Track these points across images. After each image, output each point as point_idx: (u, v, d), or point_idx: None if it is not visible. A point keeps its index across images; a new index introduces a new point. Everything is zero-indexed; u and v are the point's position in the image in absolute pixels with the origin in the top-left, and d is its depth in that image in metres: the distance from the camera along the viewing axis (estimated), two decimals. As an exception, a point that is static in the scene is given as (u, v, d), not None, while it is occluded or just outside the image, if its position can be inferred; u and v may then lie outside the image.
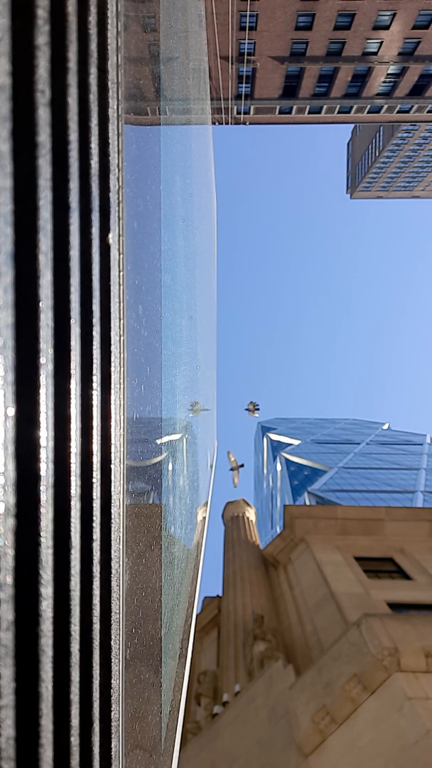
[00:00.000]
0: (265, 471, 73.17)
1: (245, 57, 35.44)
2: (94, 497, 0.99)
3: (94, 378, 0.99)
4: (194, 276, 6.39)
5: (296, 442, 63.24)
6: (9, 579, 0.68)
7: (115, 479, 1.14)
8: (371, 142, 78.40)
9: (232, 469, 49.65)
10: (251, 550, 22.91)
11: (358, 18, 32.81)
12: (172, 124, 3.56)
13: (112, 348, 1.12)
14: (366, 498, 30.08)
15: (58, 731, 0.80)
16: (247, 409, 63.17)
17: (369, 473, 38.60)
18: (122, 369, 1.26)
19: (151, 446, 2.22)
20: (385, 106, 39.45)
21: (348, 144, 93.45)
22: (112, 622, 1.10)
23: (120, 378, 1.22)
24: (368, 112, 40.07)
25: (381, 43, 34.65)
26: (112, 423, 1.12)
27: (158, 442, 2.53)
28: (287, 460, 52.99)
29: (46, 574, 0.77)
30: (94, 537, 0.98)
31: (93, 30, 0.94)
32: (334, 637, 12.33)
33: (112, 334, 1.12)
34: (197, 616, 10.46)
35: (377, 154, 75.42)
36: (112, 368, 1.12)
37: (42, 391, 0.76)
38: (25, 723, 0.72)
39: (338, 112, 40.12)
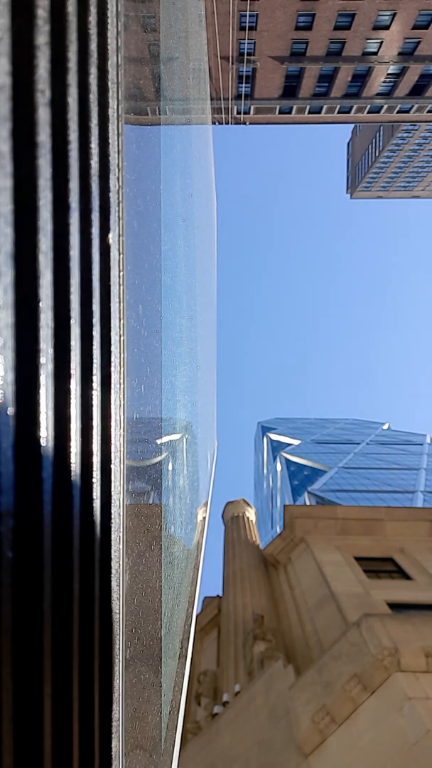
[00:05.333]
0: (265, 471, 73.14)
1: (245, 57, 35.41)
2: (94, 497, 0.99)
3: (94, 378, 0.99)
4: (194, 276, 6.38)
5: (296, 442, 63.23)
6: (8, 578, 0.68)
7: (115, 479, 1.14)
8: (371, 142, 78.36)
9: None
10: (251, 550, 22.89)
11: (358, 18, 32.79)
12: (172, 124, 3.56)
13: (112, 348, 1.12)
14: (366, 498, 30.06)
15: (59, 731, 0.80)
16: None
17: (369, 473, 38.58)
18: (122, 369, 1.26)
19: (151, 446, 2.22)
20: (385, 106, 39.43)
21: (348, 144, 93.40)
22: (113, 622, 1.10)
23: (120, 378, 1.22)
24: (368, 112, 40.05)
25: (381, 43, 34.62)
26: (112, 423, 1.12)
27: (158, 442, 2.53)
28: (287, 460, 52.97)
29: (47, 574, 0.77)
30: (95, 537, 0.98)
31: (93, 30, 0.94)
32: (334, 637, 12.32)
33: (112, 334, 1.12)
34: (197, 616, 10.46)
35: (377, 154, 75.37)
36: (112, 368, 1.12)
37: (42, 391, 0.76)
38: (25, 730, 0.72)
39: (338, 112, 40.09)
